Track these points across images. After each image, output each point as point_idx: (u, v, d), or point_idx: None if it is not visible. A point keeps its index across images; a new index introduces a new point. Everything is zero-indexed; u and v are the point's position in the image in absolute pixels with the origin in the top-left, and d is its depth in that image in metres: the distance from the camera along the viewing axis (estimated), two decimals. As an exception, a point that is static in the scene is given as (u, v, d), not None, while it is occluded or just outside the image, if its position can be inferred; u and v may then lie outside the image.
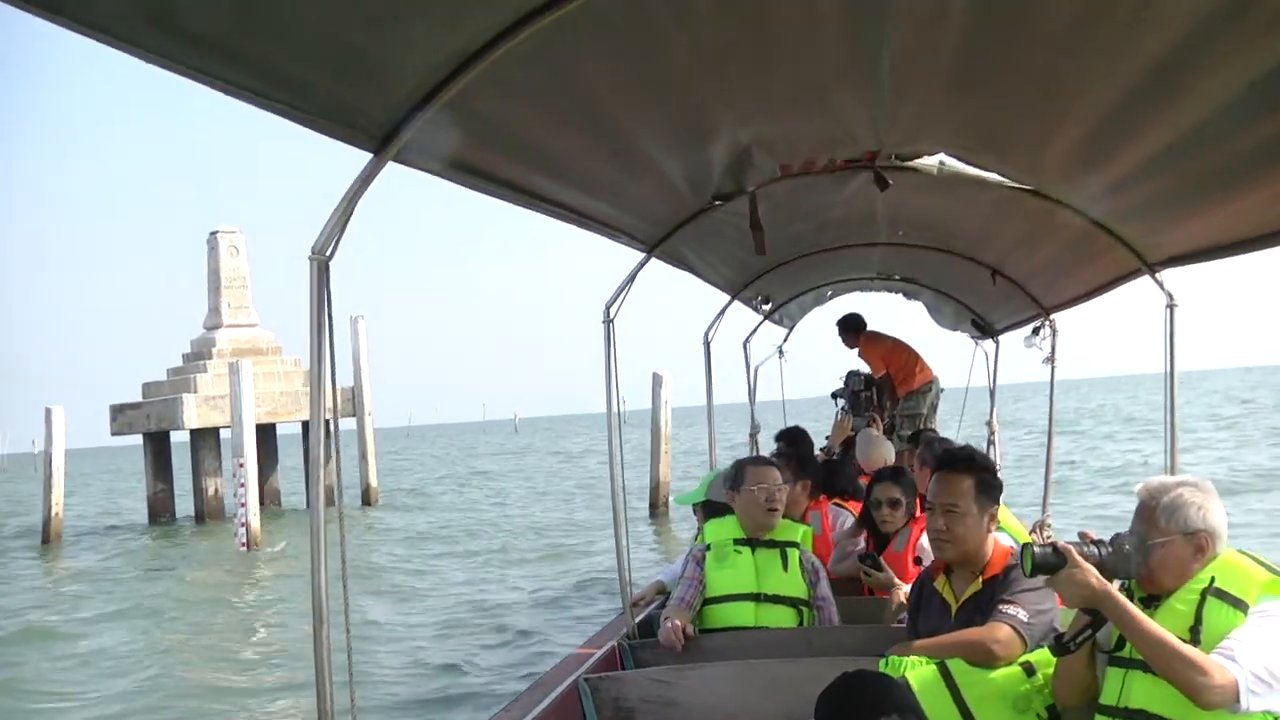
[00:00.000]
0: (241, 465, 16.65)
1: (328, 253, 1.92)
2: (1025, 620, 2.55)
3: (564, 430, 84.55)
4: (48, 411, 20.92)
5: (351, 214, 1.93)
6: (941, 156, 3.24)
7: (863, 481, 4.75)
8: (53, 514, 20.32)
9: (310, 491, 1.88)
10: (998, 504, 2.74)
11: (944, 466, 2.78)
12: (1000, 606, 2.59)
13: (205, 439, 23.05)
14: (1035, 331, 5.32)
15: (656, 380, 18.23)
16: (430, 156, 2.20)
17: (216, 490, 22.93)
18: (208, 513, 22.40)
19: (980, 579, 2.70)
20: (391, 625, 9.43)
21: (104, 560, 16.64)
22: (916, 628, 2.83)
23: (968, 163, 3.15)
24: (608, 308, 3.56)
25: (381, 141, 1.96)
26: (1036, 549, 2.24)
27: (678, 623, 3.30)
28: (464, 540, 15.62)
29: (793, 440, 5.21)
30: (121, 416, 24.21)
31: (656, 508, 17.48)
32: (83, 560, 16.61)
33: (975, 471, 2.72)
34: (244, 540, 15.91)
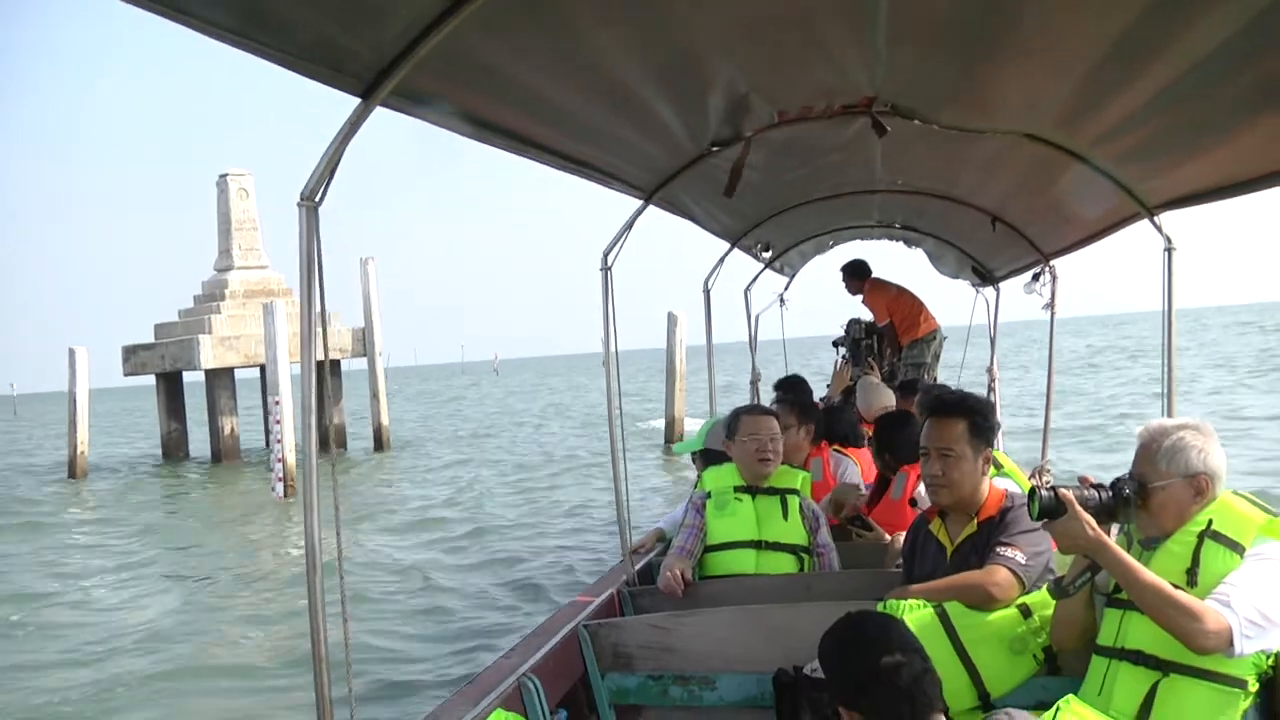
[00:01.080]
0: (278, 403, 16.36)
1: (316, 198, 1.90)
2: (1023, 563, 2.54)
3: (545, 371, 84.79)
4: (71, 352, 21.12)
5: (340, 159, 1.90)
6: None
7: (865, 429, 4.73)
8: (78, 452, 20.77)
9: (304, 438, 1.86)
10: (991, 446, 2.72)
11: (936, 411, 2.76)
12: (997, 549, 2.58)
13: (220, 379, 23.27)
14: (1035, 278, 5.25)
15: (671, 320, 18.58)
16: (420, 102, 2.15)
17: (233, 429, 23.24)
18: (224, 452, 22.77)
19: (976, 521, 2.69)
20: (400, 560, 9.56)
21: (125, 500, 16.93)
22: (912, 572, 2.82)
23: (963, 110, 3.04)
24: (605, 255, 3.51)
25: (369, 86, 1.91)
26: (1043, 493, 2.21)
27: (677, 569, 3.30)
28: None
29: (790, 388, 5.19)
30: (134, 357, 24.31)
31: (672, 443, 17.58)
32: (108, 508, 16.63)
33: (968, 414, 2.70)
34: (280, 476, 15.18)
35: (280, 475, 15.23)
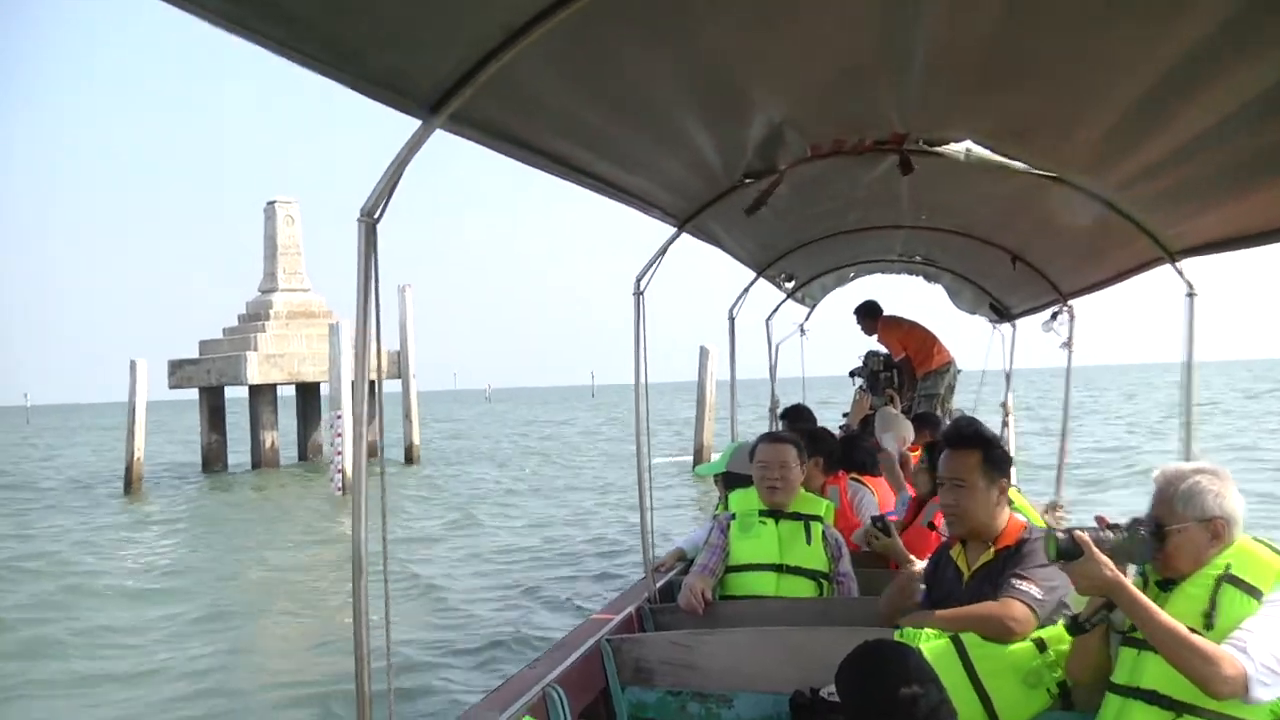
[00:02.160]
0: (339, 416, 17.65)
1: (376, 215, 1.92)
2: (1038, 596, 2.53)
3: (534, 401, 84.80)
4: (132, 364, 21.69)
5: (400, 178, 1.93)
6: (968, 144, 3.14)
7: (910, 455, 4.70)
8: (135, 459, 21.19)
9: (354, 448, 1.87)
10: (1006, 477, 2.71)
11: (951, 443, 2.76)
12: (1014, 581, 2.56)
13: (264, 394, 24.08)
14: (1053, 316, 5.21)
15: (703, 353, 19.35)
16: (475, 125, 2.19)
17: (273, 443, 24.04)
18: (264, 462, 23.64)
19: (993, 549, 2.67)
20: (438, 577, 9.65)
21: (182, 509, 17.34)
22: (931, 594, 2.82)
23: (993, 150, 3.05)
24: (638, 280, 3.53)
25: (431, 109, 1.95)
26: (1059, 535, 2.19)
27: (699, 587, 3.29)
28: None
29: (794, 418, 5.18)
30: (180, 371, 24.92)
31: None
32: (166, 508, 17.25)
33: (981, 446, 2.70)
34: (339, 486, 16.88)
35: (339, 486, 17.00)
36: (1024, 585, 2.53)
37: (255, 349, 24.07)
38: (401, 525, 12.95)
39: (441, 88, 1.92)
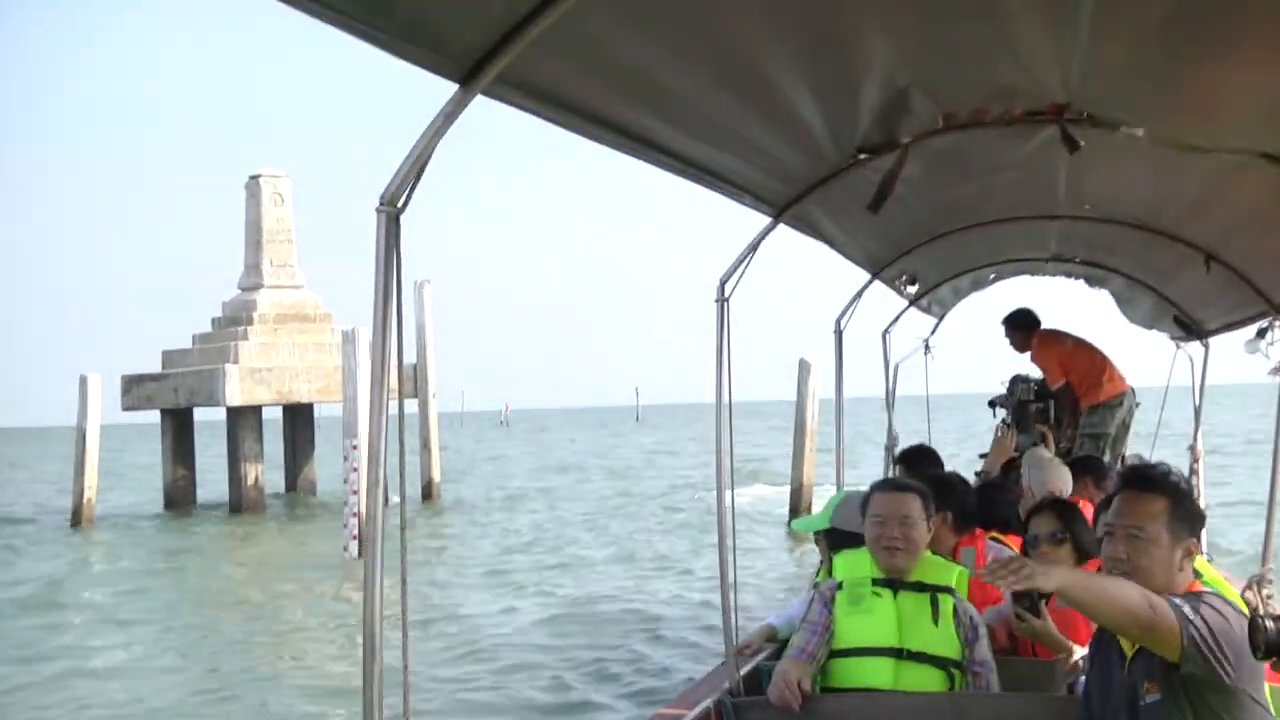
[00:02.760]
0: (355, 447, 16.63)
1: (399, 203, 1.95)
2: (1190, 616, 2.43)
3: (564, 423, 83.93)
4: (83, 380, 21.40)
5: (430, 157, 1.95)
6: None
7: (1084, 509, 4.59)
8: (85, 499, 20.96)
9: (369, 491, 1.89)
10: (1195, 537, 2.66)
11: (1131, 484, 2.73)
12: (1172, 597, 2.49)
13: (246, 418, 22.87)
14: (1260, 334, 5.03)
15: (804, 367, 18.61)
16: (526, 91, 2.21)
17: (256, 478, 22.80)
18: (247, 504, 22.30)
19: None
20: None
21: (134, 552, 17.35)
22: (1090, 678, 2.79)
23: (1174, 139, 2.98)
24: (722, 284, 3.53)
25: (470, 71, 1.97)
26: (1269, 624, 2.09)
27: (794, 676, 3.25)
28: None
29: (915, 461, 5.07)
30: (137, 389, 24.07)
31: (799, 514, 17.17)
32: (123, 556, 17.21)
33: (1170, 493, 2.66)
34: (355, 534, 15.49)
35: (355, 533, 15.45)
36: (1176, 599, 2.46)
37: (235, 360, 23.05)
38: (421, 586, 12.92)
39: (486, 44, 1.93)
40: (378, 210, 1.95)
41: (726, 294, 3.54)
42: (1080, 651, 3.65)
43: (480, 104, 2.03)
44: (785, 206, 3.61)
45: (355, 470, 15.99)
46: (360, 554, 14.57)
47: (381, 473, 1.95)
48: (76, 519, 21.02)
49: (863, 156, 3.32)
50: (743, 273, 3.54)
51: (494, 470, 35.37)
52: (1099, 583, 2.51)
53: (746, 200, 3.48)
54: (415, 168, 1.95)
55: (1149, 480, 2.70)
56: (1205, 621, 2.42)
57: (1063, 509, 3.91)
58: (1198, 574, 2.77)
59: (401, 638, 1.98)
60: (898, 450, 6.15)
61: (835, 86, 2.77)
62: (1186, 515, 2.64)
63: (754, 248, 3.58)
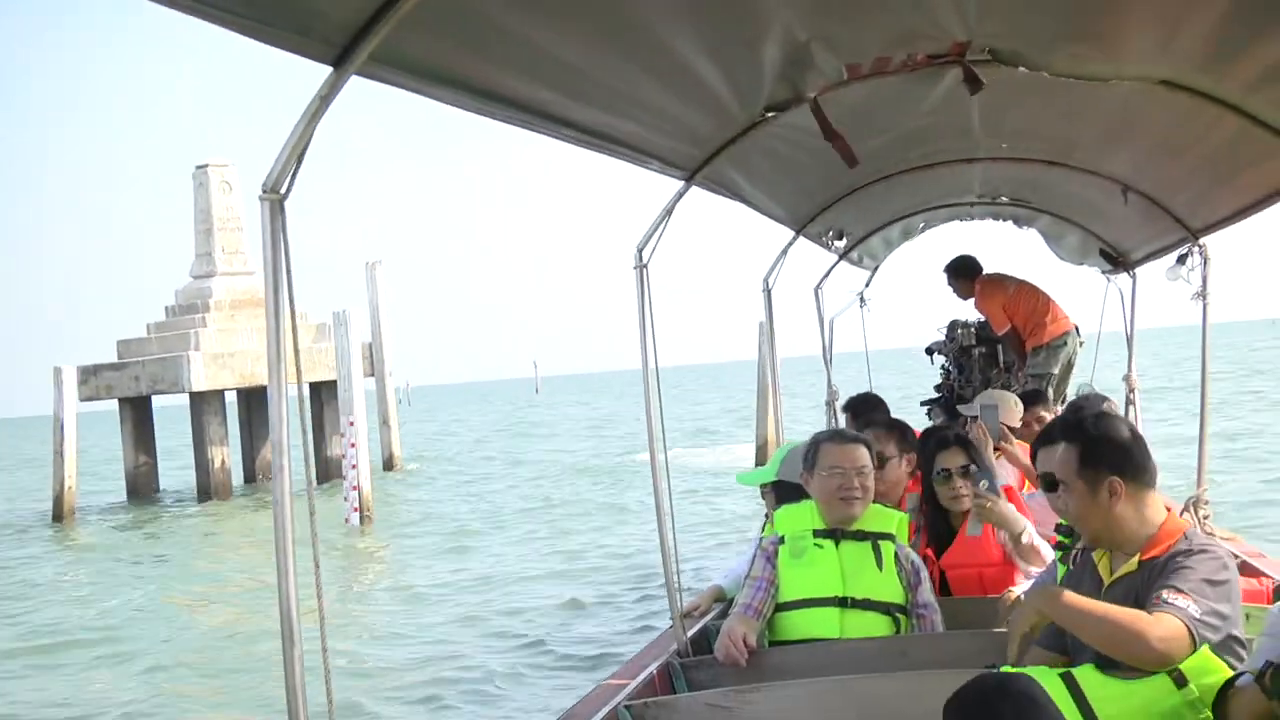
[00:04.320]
0: (352, 424, 17.60)
1: (282, 190, 1.93)
2: (1196, 616, 2.41)
3: (464, 399, 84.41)
4: (57, 371, 21.63)
5: (309, 143, 1.93)
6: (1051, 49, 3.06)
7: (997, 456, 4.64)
8: (65, 488, 21.11)
9: (275, 473, 1.92)
10: (1120, 473, 2.60)
11: (1040, 439, 2.76)
12: (1164, 594, 2.45)
13: (210, 402, 23.37)
14: (1181, 260, 5.07)
15: (762, 329, 19.40)
16: (404, 69, 2.18)
17: (223, 462, 23.27)
18: (215, 488, 22.76)
19: (1137, 559, 2.61)
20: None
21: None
22: None
23: (1080, 60, 2.96)
24: (639, 250, 3.51)
25: (342, 51, 1.94)
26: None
27: (739, 632, 3.26)
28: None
29: (864, 409, 5.09)
30: (96, 379, 24.21)
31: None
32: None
33: (1073, 437, 2.66)
34: (356, 506, 16.61)
35: (356, 505, 16.68)
36: (1178, 600, 2.41)
37: (197, 347, 23.48)
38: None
39: (357, 22, 1.90)
40: (261, 198, 1.93)
41: (645, 260, 3.53)
42: (1020, 588, 3.71)
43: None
44: (696, 169, 3.59)
45: (354, 446, 17.04)
46: (361, 524, 16.42)
47: (286, 459, 1.92)
48: (58, 512, 21.05)
49: (769, 115, 3.31)
50: (659, 238, 3.51)
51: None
52: (1093, 609, 2.50)
53: (654, 166, 3.46)
54: (295, 153, 1.93)
55: (1049, 433, 2.74)
56: (1208, 606, 2.42)
57: (966, 442, 4.01)
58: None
59: (319, 621, 1.95)
60: (839, 402, 6.17)
61: (733, 45, 2.75)
62: (1098, 455, 2.61)
63: (669, 212, 3.56)
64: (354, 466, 17.02)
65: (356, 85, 1.99)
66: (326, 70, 1.93)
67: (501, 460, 27.16)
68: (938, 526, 3.94)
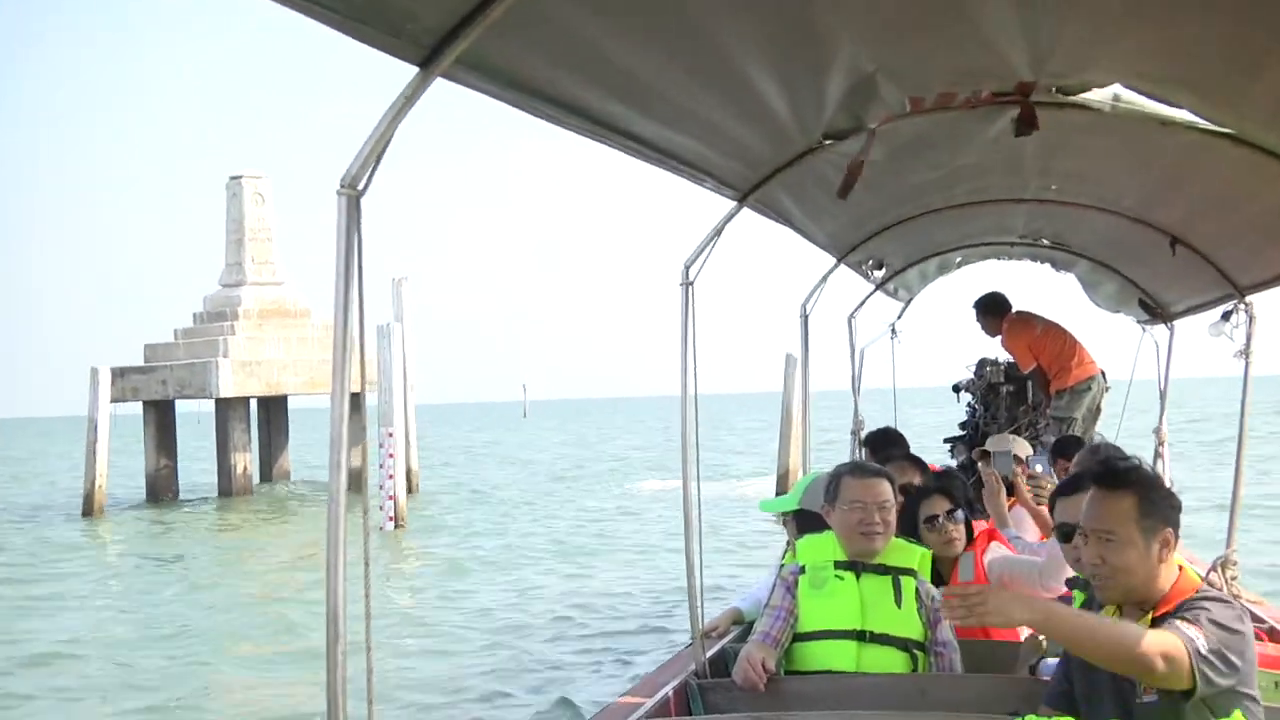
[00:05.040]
0: (391, 435, 18.31)
1: (360, 186, 1.94)
2: (1201, 650, 2.37)
3: (448, 420, 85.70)
4: (94, 371, 22.14)
5: (390, 140, 1.94)
6: (1116, 88, 3.05)
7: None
8: (96, 485, 21.65)
9: (330, 482, 1.91)
10: (1171, 525, 2.57)
11: (1098, 483, 2.66)
12: (1176, 621, 2.42)
13: (235, 409, 24.04)
14: (1225, 316, 5.01)
15: (790, 361, 19.54)
16: (486, 74, 2.20)
17: (245, 467, 23.98)
18: (236, 491, 23.50)
19: (1150, 617, 2.56)
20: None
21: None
22: (1069, 664, 2.72)
23: (1150, 96, 2.94)
24: (687, 267, 3.50)
25: (430, 53, 1.95)
26: None
27: (758, 657, 3.24)
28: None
29: (882, 445, 5.05)
30: (123, 381, 24.52)
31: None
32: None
33: (1136, 487, 2.59)
34: (391, 515, 17.62)
35: (391, 514, 17.74)
36: (1189, 629, 2.38)
37: (225, 354, 23.98)
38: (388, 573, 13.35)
39: (446, 26, 1.92)
40: (339, 193, 1.95)
41: (691, 278, 3.52)
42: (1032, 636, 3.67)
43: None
44: (749, 190, 3.59)
45: (392, 456, 18.05)
46: (396, 524, 17.60)
47: (344, 456, 1.92)
48: (88, 507, 21.51)
49: (827, 142, 3.31)
50: (707, 256, 3.51)
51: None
52: (1086, 623, 2.45)
53: (709, 184, 3.46)
54: (376, 150, 1.94)
55: (1114, 477, 2.62)
56: (1216, 646, 2.37)
57: (945, 489, 4.02)
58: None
59: (365, 625, 1.94)
60: (862, 433, 6.13)
61: (801, 71, 2.76)
62: (1157, 507, 2.55)
63: (718, 232, 3.56)
64: (390, 476, 17.80)
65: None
66: (412, 71, 1.95)
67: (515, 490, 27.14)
68: (929, 575, 3.92)
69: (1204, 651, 2.35)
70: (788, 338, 19.54)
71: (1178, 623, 2.39)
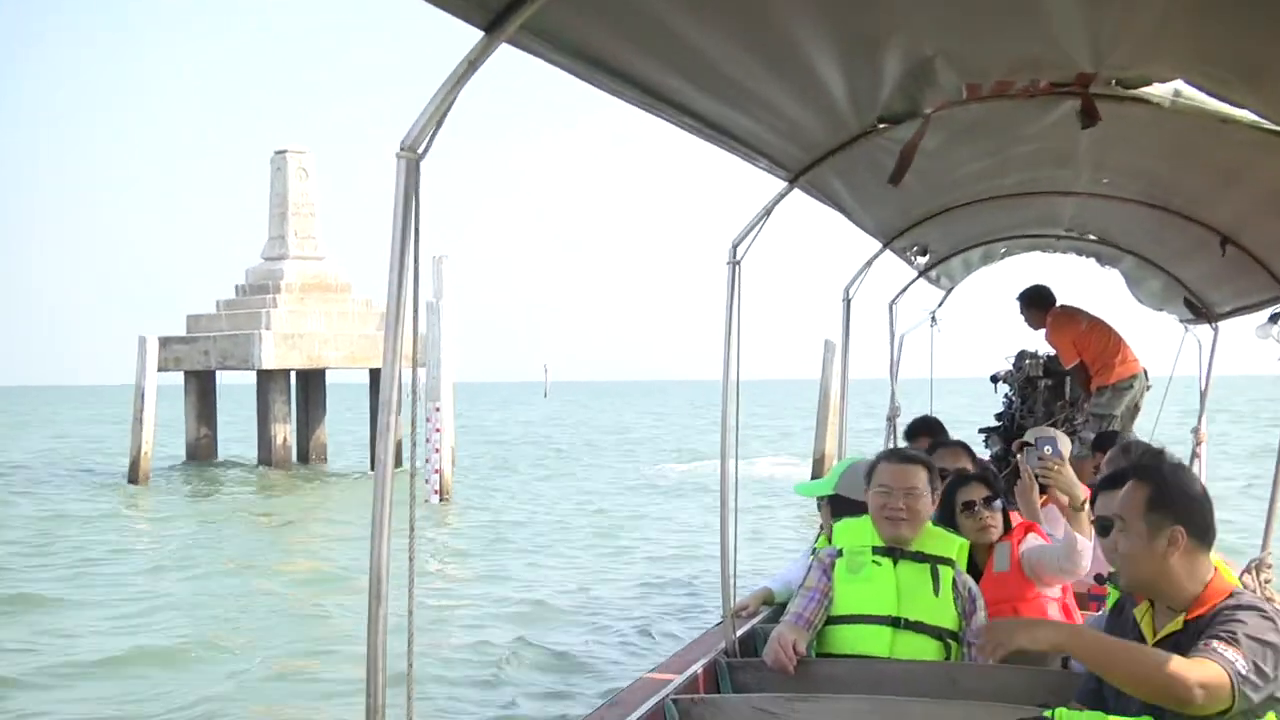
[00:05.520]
0: (438, 409, 18.56)
1: (420, 149, 1.92)
2: (1242, 673, 2.35)
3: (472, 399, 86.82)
4: (141, 340, 22.48)
5: (452, 104, 1.93)
6: (1178, 84, 2.99)
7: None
8: (142, 453, 22.00)
9: (378, 445, 1.92)
10: (1183, 524, 2.52)
11: (1125, 474, 2.68)
12: (1214, 643, 2.39)
13: (276, 381, 24.31)
14: (1273, 319, 4.93)
15: (829, 347, 19.60)
16: (550, 41, 2.18)
17: (285, 439, 24.30)
18: (275, 462, 23.82)
19: (1182, 618, 2.54)
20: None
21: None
22: None
23: (1211, 94, 2.89)
24: (734, 247, 3.49)
25: (496, 17, 1.93)
26: None
27: (789, 638, 3.24)
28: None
29: (921, 433, 5.01)
30: (165, 351, 24.72)
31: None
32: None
33: (1148, 480, 2.58)
34: (436, 489, 18.12)
35: (436, 487, 18.23)
36: (1228, 651, 2.35)
37: (268, 327, 24.20)
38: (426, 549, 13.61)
39: None
40: (398, 155, 1.94)
41: (738, 257, 3.51)
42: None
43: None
44: (801, 171, 3.57)
45: (439, 430, 18.34)
46: (442, 497, 18.09)
47: (392, 420, 1.93)
48: (134, 474, 21.85)
49: (882, 125, 3.27)
50: (756, 236, 3.49)
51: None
52: (1113, 645, 2.46)
53: (762, 164, 3.44)
54: (438, 114, 1.93)
55: (1138, 468, 2.68)
56: (1253, 662, 2.35)
57: (982, 476, 4.03)
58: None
59: (408, 602, 1.96)
60: (898, 420, 6.09)
61: (860, 53, 2.73)
62: (1169, 503, 2.53)
63: (768, 212, 3.54)
64: (437, 450, 18.12)
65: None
66: (478, 35, 1.93)
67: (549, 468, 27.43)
68: (965, 565, 3.91)
69: (1244, 673, 2.33)
70: (827, 323, 19.53)
71: (1215, 645, 2.37)
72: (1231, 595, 2.52)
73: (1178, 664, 2.34)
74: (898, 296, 6.70)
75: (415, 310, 1.95)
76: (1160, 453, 5.18)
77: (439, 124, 1.92)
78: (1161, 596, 2.57)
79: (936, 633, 3.31)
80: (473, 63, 1.91)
